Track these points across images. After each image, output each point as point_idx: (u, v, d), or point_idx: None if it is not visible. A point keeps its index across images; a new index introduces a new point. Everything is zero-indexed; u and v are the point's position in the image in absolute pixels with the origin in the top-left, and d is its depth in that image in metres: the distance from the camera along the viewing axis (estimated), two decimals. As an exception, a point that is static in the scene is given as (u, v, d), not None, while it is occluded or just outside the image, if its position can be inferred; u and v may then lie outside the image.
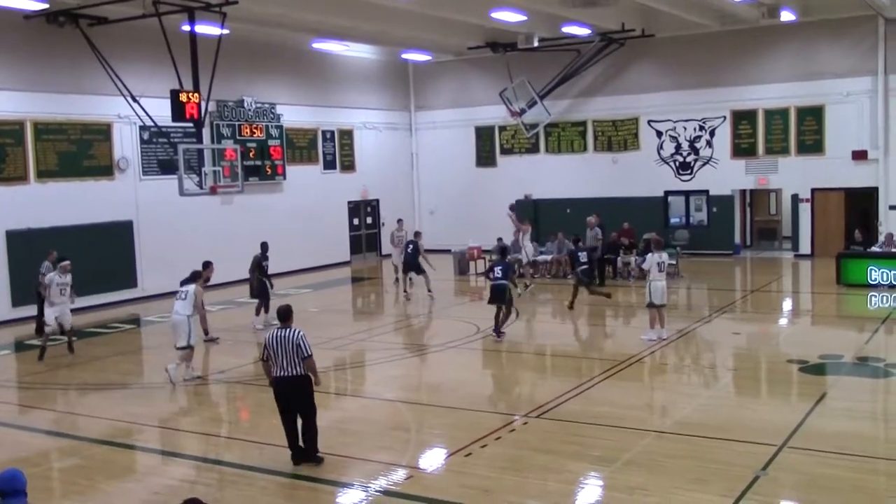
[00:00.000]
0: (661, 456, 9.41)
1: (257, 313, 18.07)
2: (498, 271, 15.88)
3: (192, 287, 13.70)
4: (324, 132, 28.50)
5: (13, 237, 19.68)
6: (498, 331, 15.62)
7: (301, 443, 9.51)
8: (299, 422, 9.49)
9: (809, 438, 9.74)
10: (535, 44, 26.41)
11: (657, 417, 11.12)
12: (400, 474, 9.18)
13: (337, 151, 29.03)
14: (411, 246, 21.22)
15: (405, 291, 21.22)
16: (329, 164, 28.74)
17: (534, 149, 29.96)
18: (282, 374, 9.34)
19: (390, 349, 15.81)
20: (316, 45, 26.67)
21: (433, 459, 9.76)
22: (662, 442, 9.91)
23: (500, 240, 22.87)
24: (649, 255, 15.68)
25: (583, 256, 18.71)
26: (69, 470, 9.99)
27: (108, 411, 12.11)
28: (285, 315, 9.63)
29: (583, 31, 25.34)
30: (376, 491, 8.70)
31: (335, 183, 28.78)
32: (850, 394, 12.00)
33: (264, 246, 18.71)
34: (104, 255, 21.01)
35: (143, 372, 15.53)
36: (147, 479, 9.55)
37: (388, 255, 26.89)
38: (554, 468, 9.07)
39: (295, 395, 9.38)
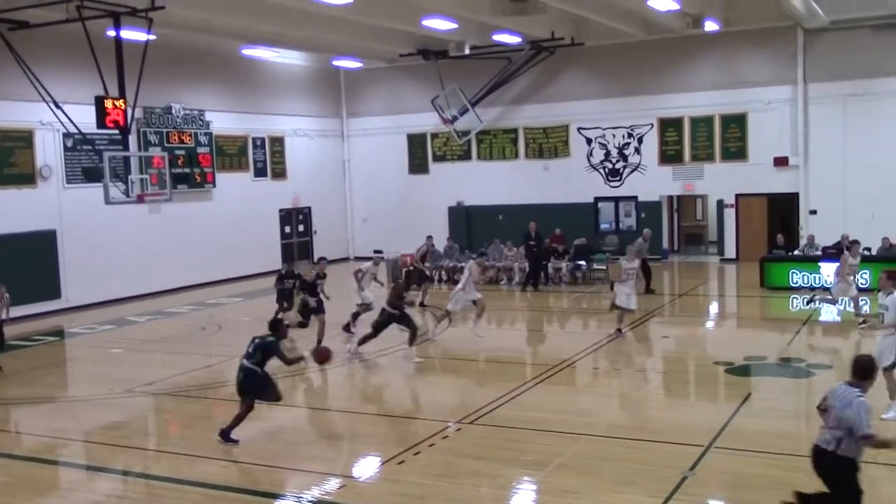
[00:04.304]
0: (593, 459, 9.55)
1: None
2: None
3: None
4: (254, 139, 28.20)
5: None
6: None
7: None
8: None
9: (735, 438, 9.98)
10: (467, 51, 26.60)
11: (588, 421, 11.24)
12: (333, 483, 9.12)
13: (268, 159, 28.75)
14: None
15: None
16: (260, 172, 28.44)
17: (466, 156, 30.13)
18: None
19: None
20: (246, 52, 26.38)
21: (366, 468, 9.73)
22: (594, 445, 10.05)
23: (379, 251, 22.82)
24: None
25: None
26: (-10, 488, 9.68)
27: (33, 426, 11.78)
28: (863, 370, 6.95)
29: (513, 40, 25.60)
30: (309, 501, 8.63)
31: (266, 191, 28.50)
32: (773, 394, 12.35)
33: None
34: (26, 265, 20.41)
35: (67, 385, 15.14)
36: (72, 496, 9.31)
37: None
38: (487, 474, 9.12)
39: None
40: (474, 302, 16.14)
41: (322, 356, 11.45)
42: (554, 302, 21.37)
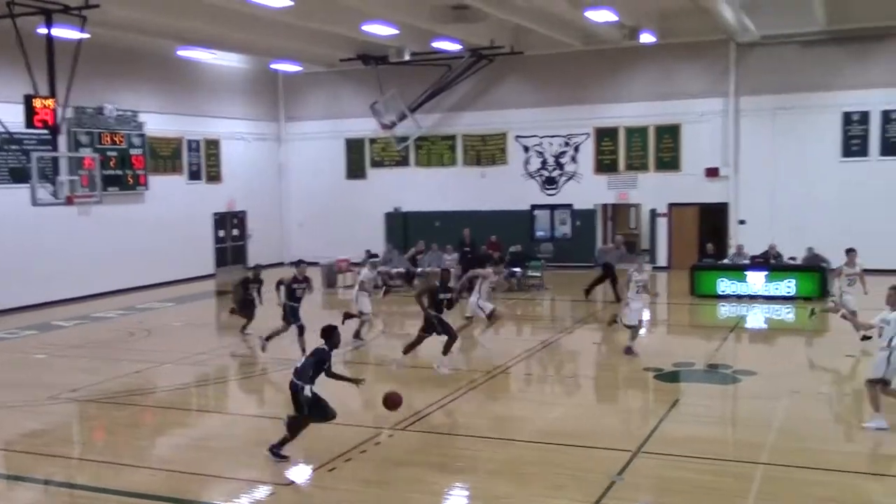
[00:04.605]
0: (524, 464, 9.60)
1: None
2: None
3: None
4: (189, 141, 27.77)
5: None
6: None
7: None
8: None
9: (663, 443, 10.15)
10: (407, 58, 26.62)
11: (520, 426, 11.32)
12: (263, 491, 9.02)
13: (202, 161, 28.34)
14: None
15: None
16: (194, 175, 28.01)
17: (404, 162, 30.12)
18: None
19: (255, 364, 15.50)
20: (181, 53, 25.99)
21: (297, 475, 9.62)
22: (525, 450, 10.12)
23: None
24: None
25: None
26: None
27: (-50, 434, 11.39)
28: None
29: (453, 47, 25.69)
30: (237, 509, 8.52)
31: (200, 194, 28.08)
32: (701, 399, 12.59)
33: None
34: (-52, 267, 19.78)
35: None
36: (-10, 505, 9.04)
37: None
38: (418, 480, 9.11)
39: None
40: (489, 315, 15.71)
41: (393, 402, 10.23)
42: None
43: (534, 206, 28.58)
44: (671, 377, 13.62)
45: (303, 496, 8.99)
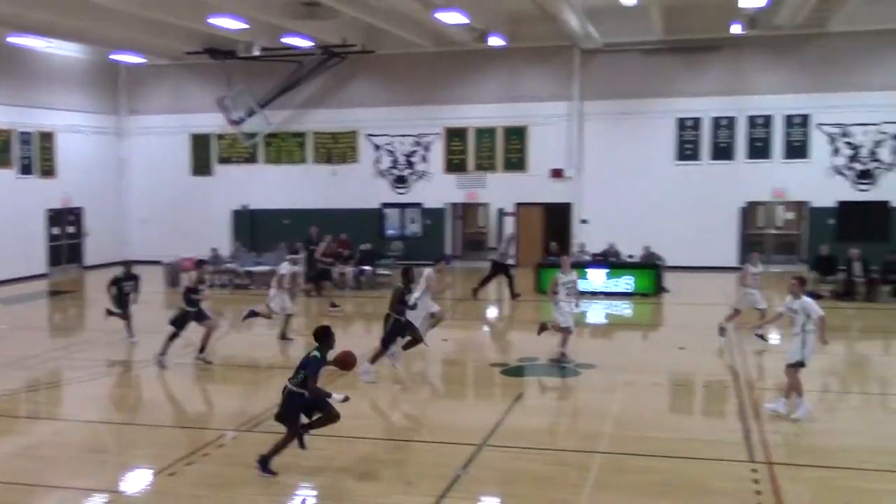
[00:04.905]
0: (370, 462, 9.62)
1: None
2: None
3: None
4: (21, 134, 26.19)
5: None
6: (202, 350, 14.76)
7: None
8: None
9: (507, 436, 10.39)
10: (256, 53, 26.09)
11: (366, 424, 11.28)
12: (98, 500, 8.63)
13: (35, 155, 26.78)
14: None
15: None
16: (26, 169, 26.45)
17: (252, 158, 29.52)
18: None
19: (90, 367, 14.73)
20: (12, 40, 24.44)
21: (135, 481, 9.25)
22: (372, 448, 10.14)
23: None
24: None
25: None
26: None
27: None
28: None
29: (304, 44, 25.37)
30: (69, 519, 8.12)
31: (32, 189, 26.53)
32: (544, 393, 12.99)
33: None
34: None
35: None
36: None
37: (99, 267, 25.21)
38: (264, 483, 8.93)
39: None
40: (433, 314, 14.48)
41: (347, 361, 9.42)
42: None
43: (384, 205, 28.64)
44: (516, 372, 13.95)
45: (141, 503, 8.64)
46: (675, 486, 8.87)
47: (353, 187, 28.42)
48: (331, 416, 9.09)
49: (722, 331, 15.68)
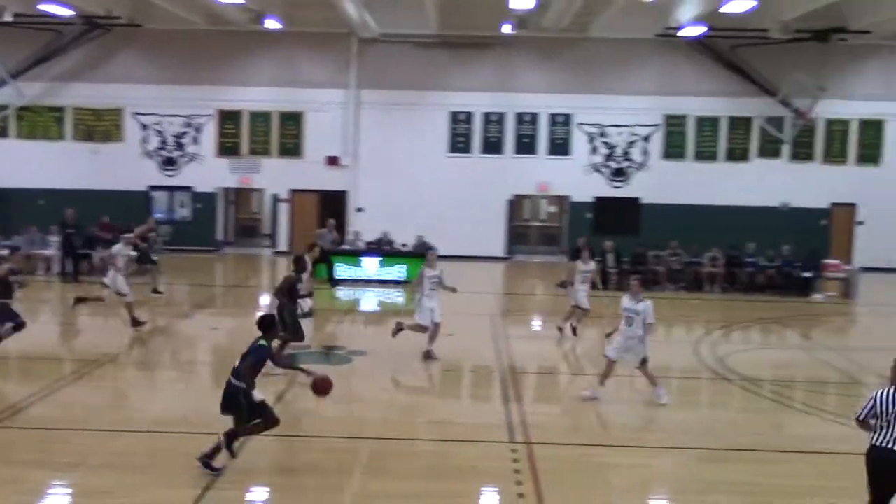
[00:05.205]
0: (134, 455, 9.23)
1: None
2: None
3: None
4: None
5: None
6: None
7: None
8: None
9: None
10: (8, 18, 24.01)
11: (131, 416, 10.81)
12: None
13: None
14: None
15: None
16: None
17: (3, 133, 27.20)
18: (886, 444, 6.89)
19: None
20: None
21: None
22: (136, 441, 9.71)
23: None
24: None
25: None
26: None
27: None
28: None
29: (64, 12, 23.67)
30: None
31: None
32: (315, 381, 12.94)
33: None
34: None
35: None
36: None
37: None
38: (12, 479, 8.37)
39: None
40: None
41: (323, 388, 9.19)
42: (99, 293, 20.12)
43: (151, 187, 27.39)
44: (291, 360, 13.80)
45: None
46: (441, 469, 9.19)
47: (118, 168, 26.91)
48: (269, 422, 8.93)
49: (561, 330, 16.08)
